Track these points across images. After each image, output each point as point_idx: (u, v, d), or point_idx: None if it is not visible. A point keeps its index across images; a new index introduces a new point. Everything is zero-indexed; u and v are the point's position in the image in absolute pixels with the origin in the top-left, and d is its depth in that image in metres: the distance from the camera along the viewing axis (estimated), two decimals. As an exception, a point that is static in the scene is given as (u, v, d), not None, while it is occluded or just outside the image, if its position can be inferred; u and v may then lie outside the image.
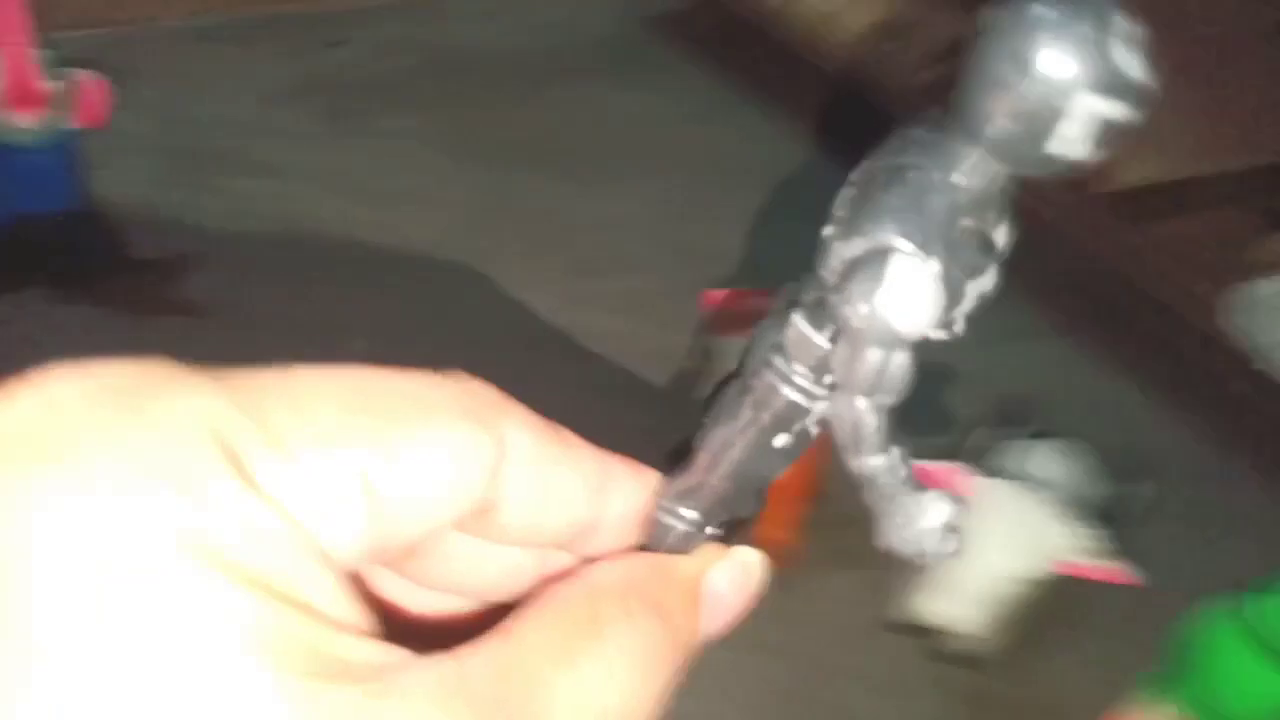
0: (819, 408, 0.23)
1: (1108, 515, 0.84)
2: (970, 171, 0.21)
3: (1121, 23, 0.19)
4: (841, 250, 0.21)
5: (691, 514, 0.23)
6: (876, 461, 0.23)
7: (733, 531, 0.24)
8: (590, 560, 0.22)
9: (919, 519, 0.22)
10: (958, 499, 0.22)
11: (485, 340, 1.34)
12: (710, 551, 0.23)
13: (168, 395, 0.16)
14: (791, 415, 0.23)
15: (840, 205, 0.22)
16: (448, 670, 0.17)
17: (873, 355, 0.22)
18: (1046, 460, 1.06)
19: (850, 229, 0.22)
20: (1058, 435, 0.95)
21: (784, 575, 1.13)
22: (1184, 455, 1.27)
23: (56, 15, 1.22)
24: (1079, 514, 0.85)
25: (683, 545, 0.23)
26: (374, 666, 0.16)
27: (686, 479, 0.23)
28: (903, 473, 0.23)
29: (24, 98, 1.10)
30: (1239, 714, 0.85)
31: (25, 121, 1.11)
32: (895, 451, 0.22)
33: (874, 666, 1.08)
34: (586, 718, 0.18)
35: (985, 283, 0.23)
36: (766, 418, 0.23)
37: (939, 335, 0.22)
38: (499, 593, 0.22)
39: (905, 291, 0.21)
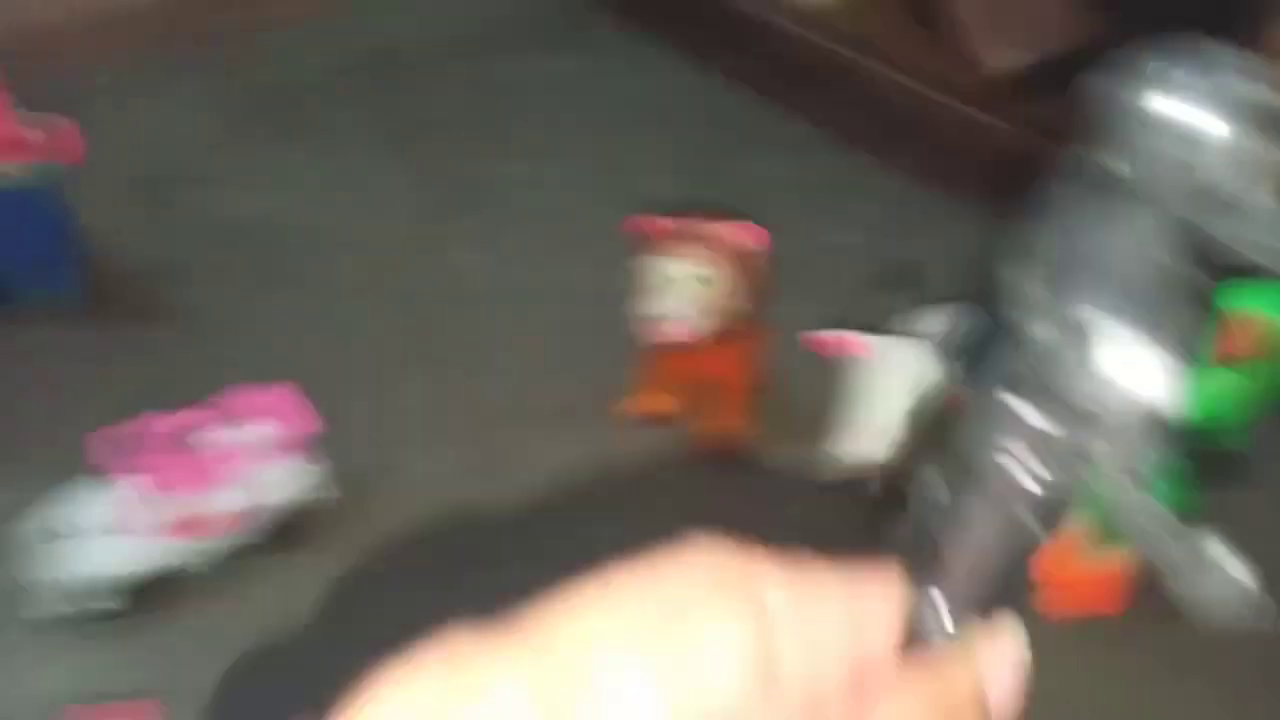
0: (1060, 485, 0.23)
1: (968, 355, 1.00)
2: (1147, 232, 0.22)
3: (1247, 68, 0.20)
4: (1046, 335, 0.22)
5: (950, 608, 0.23)
6: (1158, 528, 0.23)
7: (985, 608, 0.23)
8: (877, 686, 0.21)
9: (1226, 569, 0.23)
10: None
11: (457, 315, 1.48)
12: (986, 644, 0.23)
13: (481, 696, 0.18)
14: (1031, 497, 0.23)
15: (1030, 283, 0.23)
16: None
17: (1124, 439, 0.22)
18: (932, 320, 1.21)
19: (1049, 312, 0.22)
20: (944, 298, 1.10)
21: (738, 457, 1.29)
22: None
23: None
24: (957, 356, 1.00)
25: (948, 638, 0.23)
26: None
27: (942, 578, 0.23)
28: (1181, 530, 0.23)
29: (10, 146, 1.21)
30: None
31: (15, 169, 1.22)
32: (1170, 518, 0.23)
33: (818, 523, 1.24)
34: None
35: (1197, 341, 0.23)
36: (1010, 505, 0.23)
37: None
38: None
39: (1137, 371, 0.21)
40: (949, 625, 0.23)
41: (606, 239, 1.43)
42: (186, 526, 1.04)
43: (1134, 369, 0.21)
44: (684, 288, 1.08)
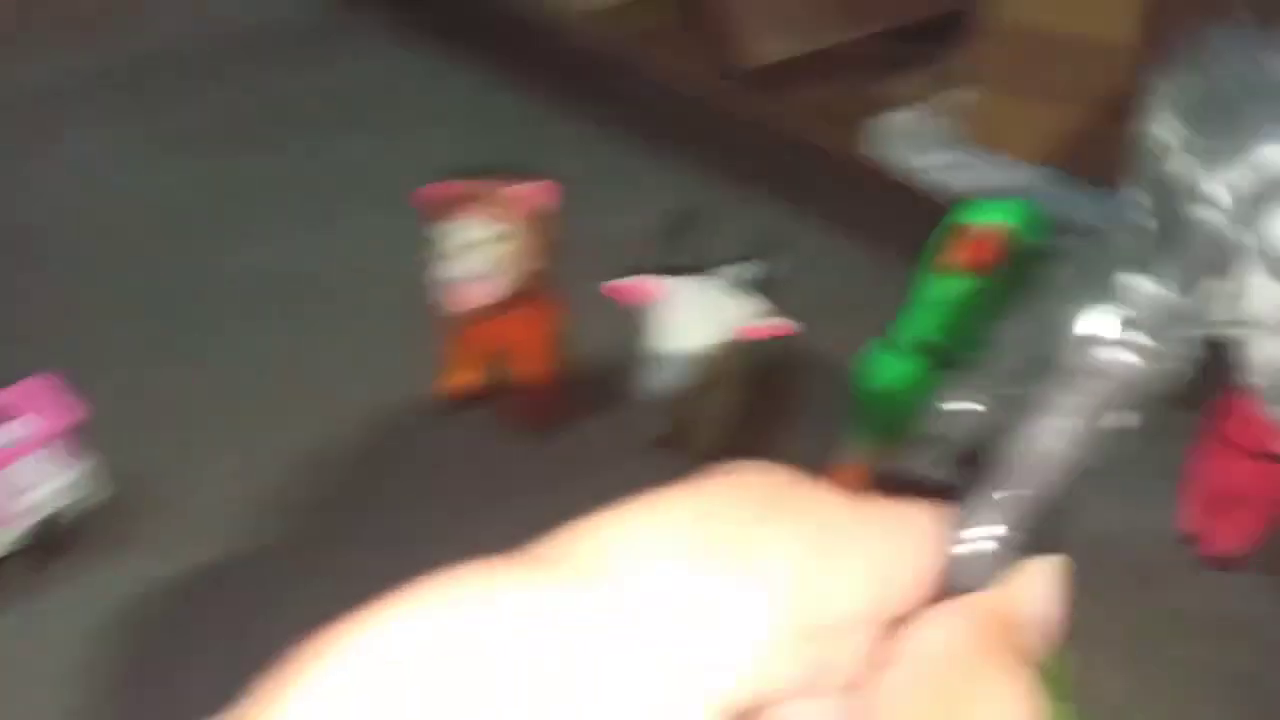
0: (1155, 365, 0.21)
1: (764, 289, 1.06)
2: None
3: None
4: (1218, 183, 0.19)
5: (999, 530, 0.21)
6: None
7: (1037, 533, 0.22)
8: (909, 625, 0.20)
9: None
10: None
11: (241, 309, 1.44)
12: (1026, 576, 0.22)
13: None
14: (1129, 385, 0.21)
15: (1175, 130, 0.19)
16: None
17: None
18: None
19: (1214, 158, 0.19)
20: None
21: (551, 422, 1.29)
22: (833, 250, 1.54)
23: None
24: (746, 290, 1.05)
25: (996, 571, 0.21)
26: None
27: (998, 493, 0.21)
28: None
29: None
30: (899, 411, 1.08)
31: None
32: None
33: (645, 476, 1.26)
34: None
35: None
36: (1097, 400, 0.21)
37: None
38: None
39: None
40: (993, 554, 0.21)
41: (389, 235, 1.42)
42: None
43: None
44: (480, 249, 1.08)
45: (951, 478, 0.22)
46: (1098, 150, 1.47)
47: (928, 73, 1.69)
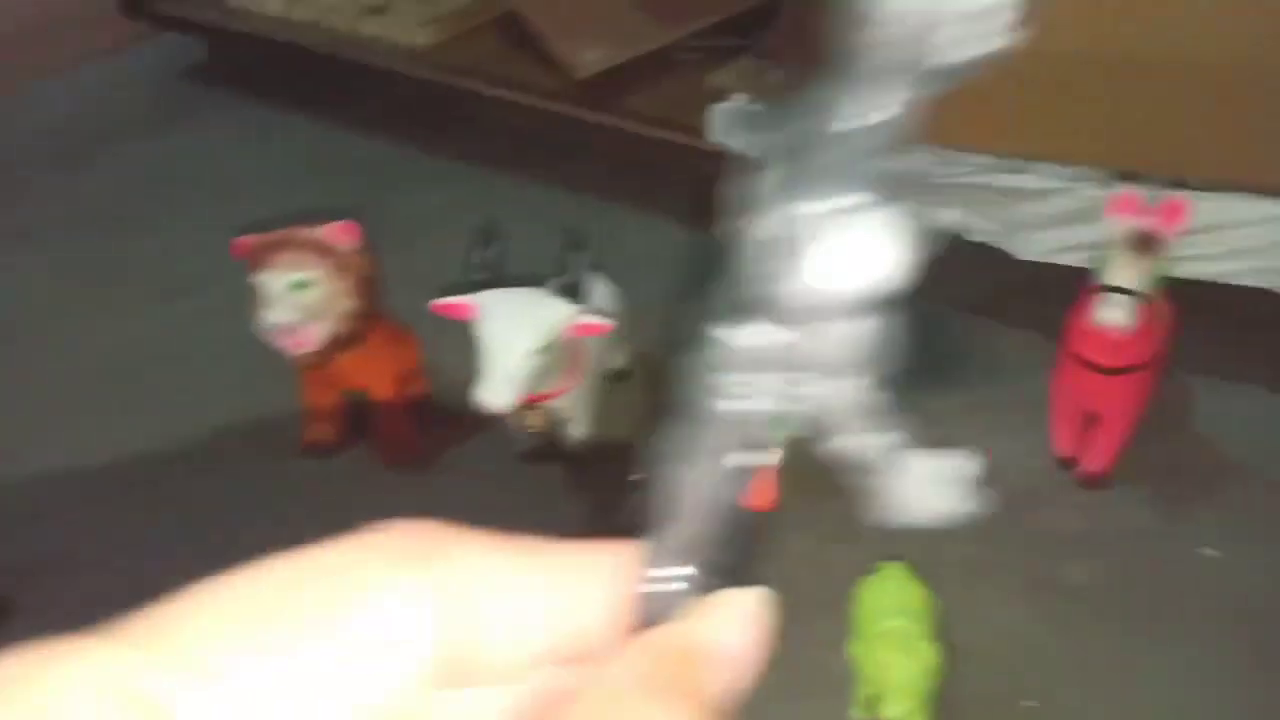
0: (770, 406, 0.21)
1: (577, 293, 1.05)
2: (873, 107, 0.19)
3: None
4: (758, 232, 0.20)
5: (685, 570, 0.22)
6: (881, 439, 0.21)
7: (731, 572, 0.22)
8: (594, 662, 0.20)
9: (927, 482, 0.21)
10: (963, 455, 0.22)
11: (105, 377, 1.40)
12: (711, 609, 0.21)
13: (58, 666, 0.16)
14: (750, 428, 0.22)
15: (757, 188, 0.20)
16: None
17: (852, 328, 0.20)
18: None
19: (761, 208, 0.20)
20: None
21: (418, 461, 1.28)
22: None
23: None
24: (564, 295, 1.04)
25: (683, 607, 0.21)
26: None
27: (665, 536, 0.22)
28: (899, 439, 0.21)
29: None
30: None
31: None
32: (888, 422, 0.21)
33: (522, 490, 1.25)
34: None
35: (926, 214, 0.21)
36: (727, 441, 0.22)
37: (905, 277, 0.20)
38: None
39: (873, 247, 0.19)
40: (685, 593, 0.21)
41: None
42: None
43: (872, 244, 0.19)
44: (290, 295, 1.07)
45: (638, 517, 0.22)
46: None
47: (753, 57, 1.71)
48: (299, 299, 1.08)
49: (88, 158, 1.96)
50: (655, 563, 0.21)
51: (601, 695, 0.19)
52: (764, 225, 0.20)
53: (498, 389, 1.00)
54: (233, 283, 1.16)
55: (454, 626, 0.19)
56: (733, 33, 1.77)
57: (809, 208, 0.19)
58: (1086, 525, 1.22)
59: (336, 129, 2.01)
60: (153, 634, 0.17)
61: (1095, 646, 1.08)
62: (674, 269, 1.44)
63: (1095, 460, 1.26)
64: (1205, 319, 1.39)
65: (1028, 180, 1.39)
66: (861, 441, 0.21)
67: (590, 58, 1.72)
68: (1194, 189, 1.30)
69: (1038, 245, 1.38)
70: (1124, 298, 1.04)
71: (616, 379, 1.39)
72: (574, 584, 0.21)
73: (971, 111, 1.46)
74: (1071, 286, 1.18)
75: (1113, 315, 1.04)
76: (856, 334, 0.20)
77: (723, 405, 0.21)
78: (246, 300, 1.11)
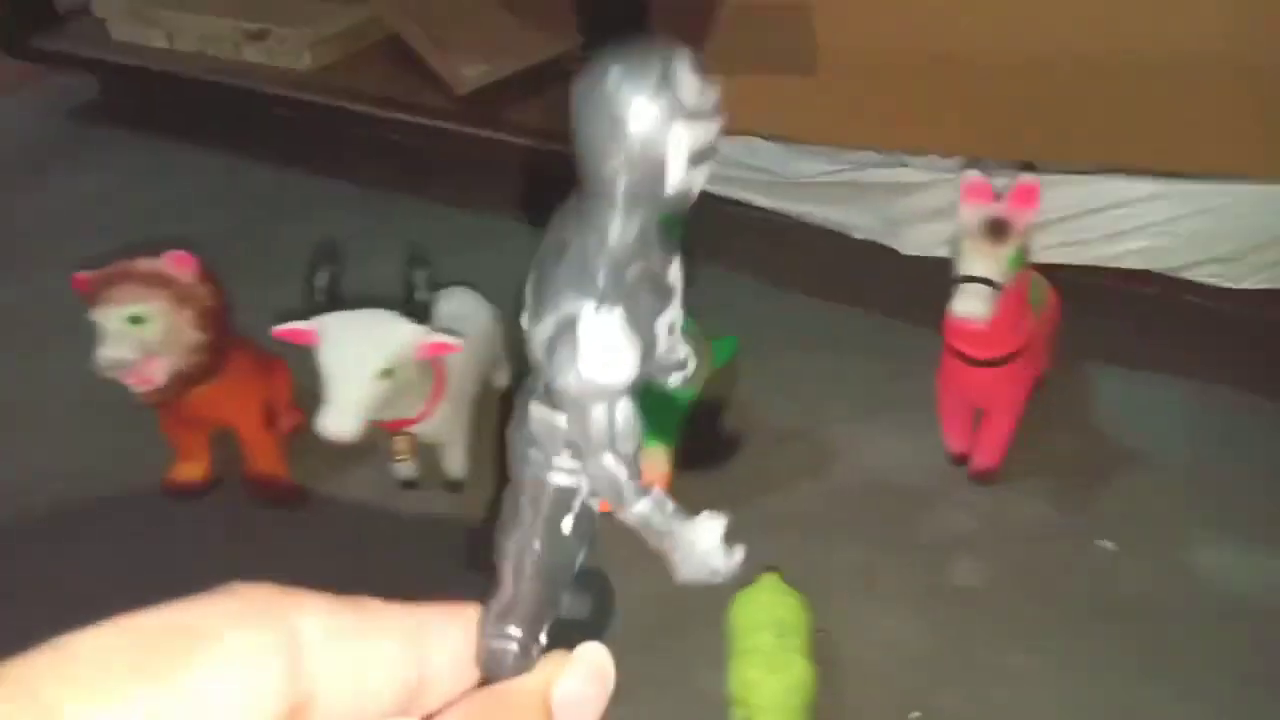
0: (564, 480, 0.24)
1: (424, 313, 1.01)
2: (619, 228, 0.23)
3: (680, 58, 0.22)
4: (537, 332, 0.23)
5: (517, 631, 0.24)
6: (643, 507, 0.24)
7: (580, 625, 0.25)
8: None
9: (699, 544, 0.24)
10: (720, 515, 0.24)
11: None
12: (550, 662, 0.23)
13: None
14: (566, 497, 0.25)
15: (528, 292, 0.24)
16: None
17: (597, 414, 0.23)
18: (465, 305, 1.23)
19: (537, 311, 0.23)
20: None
21: (290, 496, 1.23)
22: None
23: None
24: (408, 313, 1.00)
25: (522, 665, 0.23)
26: None
27: (500, 598, 0.24)
28: (669, 508, 0.24)
29: None
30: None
31: None
32: (655, 492, 0.24)
33: (401, 520, 1.21)
34: None
35: (671, 315, 0.25)
36: (546, 509, 0.24)
37: (674, 377, 0.27)
38: None
39: (601, 347, 0.23)
40: (521, 652, 0.23)
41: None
42: None
43: (599, 346, 0.23)
44: (122, 332, 1.01)
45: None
46: (799, 108, 1.49)
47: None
48: (137, 334, 1.02)
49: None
50: (493, 622, 0.23)
51: None
52: (536, 322, 0.23)
53: (340, 416, 0.95)
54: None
55: (299, 683, 0.19)
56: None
57: (568, 308, 0.22)
58: (978, 524, 1.19)
59: (229, 159, 1.96)
60: (6, 683, 0.17)
61: (984, 651, 1.05)
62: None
63: (985, 456, 1.23)
64: (1096, 305, 1.37)
65: (906, 174, 1.37)
66: (633, 512, 0.23)
67: (471, 74, 1.68)
68: (1074, 173, 1.29)
69: (921, 239, 1.36)
70: (979, 287, 1.01)
71: (506, 400, 1.35)
72: (415, 642, 0.21)
73: (845, 108, 1.44)
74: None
75: (968, 306, 1.01)
76: (606, 417, 0.23)
77: (530, 475, 0.24)
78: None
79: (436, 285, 1.12)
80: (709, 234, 1.72)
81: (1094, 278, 1.30)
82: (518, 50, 1.73)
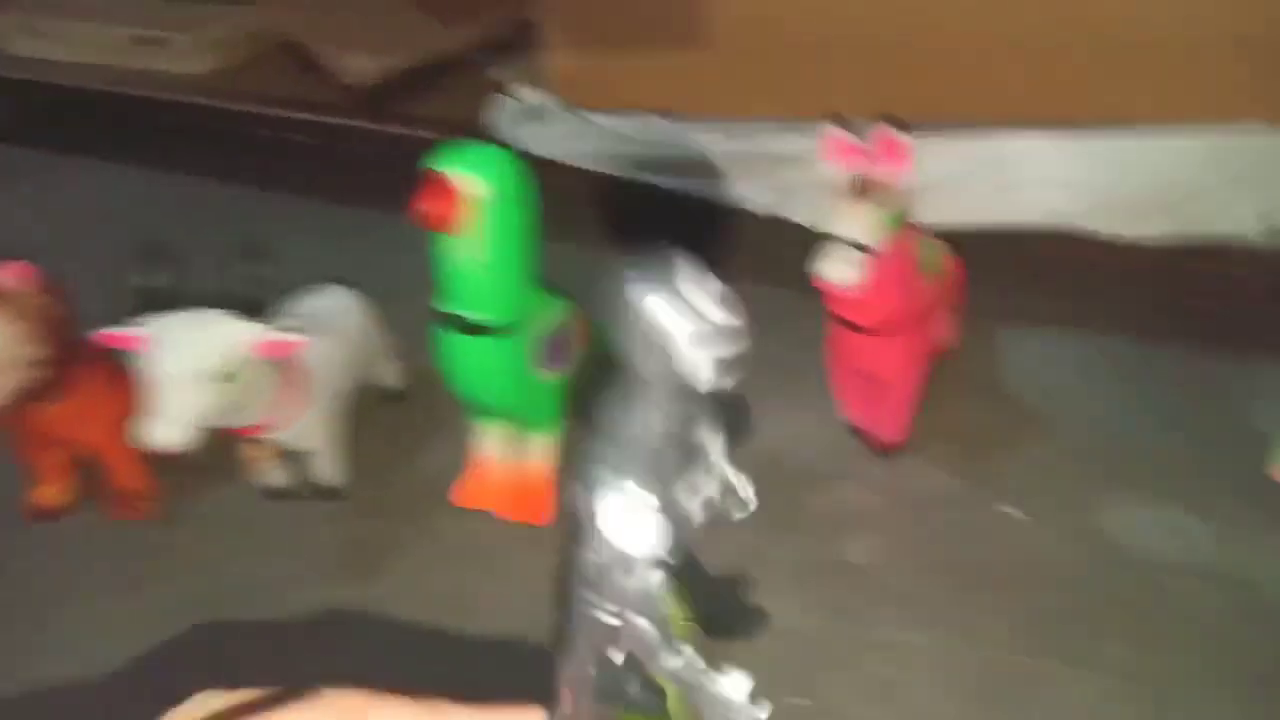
0: (613, 623, 0.29)
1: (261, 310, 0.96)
2: (654, 408, 0.28)
3: (706, 291, 0.27)
4: (580, 505, 0.27)
5: None
6: (674, 664, 0.27)
7: None
8: None
9: (725, 699, 0.28)
10: (746, 675, 0.29)
11: None
12: None
13: None
14: (614, 633, 0.28)
15: (590, 468, 0.28)
16: None
17: (627, 582, 0.26)
18: (332, 303, 1.18)
19: (584, 482, 0.28)
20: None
21: (156, 517, 1.17)
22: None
23: None
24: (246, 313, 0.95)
25: None
26: None
27: (562, 713, 0.28)
28: (699, 665, 0.28)
29: None
30: (487, 389, 0.99)
31: None
32: (687, 651, 0.27)
33: (271, 534, 1.15)
34: None
35: (701, 473, 0.31)
36: (597, 640, 0.28)
37: (698, 517, 0.30)
38: None
39: (627, 523, 0.26)
40: None
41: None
42: None
43: (625, 522, 0.26)
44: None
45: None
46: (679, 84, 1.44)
47: (526, 53, 1.64)
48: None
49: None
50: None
51: None
52: (575, 503, 0.27)
53: (166, 425, 0.90)
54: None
55: None
56: (518, 29, 1.69)
57: (594, 479, 0.27)
58: (877, 498, 1.14)
59: (128, 169, 1.91)
60: None
61: (876, 631, 1.00)
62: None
63: (885, 428, 1.18)
64: (997, 266, 1.32)
65: (797, 143, 1.32)
66: (665, 669, 0.27)
67: (365, 68, 1.64)
68: (964, 128, 1.24)
69: (815, 208, 1.30)
70: (847, 250, 0.96)
71: (390, 399, 1.30)
72: None
73: (735, 80, 1.39)
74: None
75: (835, 270, 0.96)
76: (635, 585, 0.27)
77: (582, 611, 0.28)
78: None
79: (309, 282, 1.06)
80: (610, 214, 1.67)
81: (992, 238, 1.25)
82: (415, 45, 1.68)
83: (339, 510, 1.18)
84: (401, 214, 0.93)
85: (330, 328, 1.14)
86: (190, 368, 0.91)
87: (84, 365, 1.09)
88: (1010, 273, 1.31)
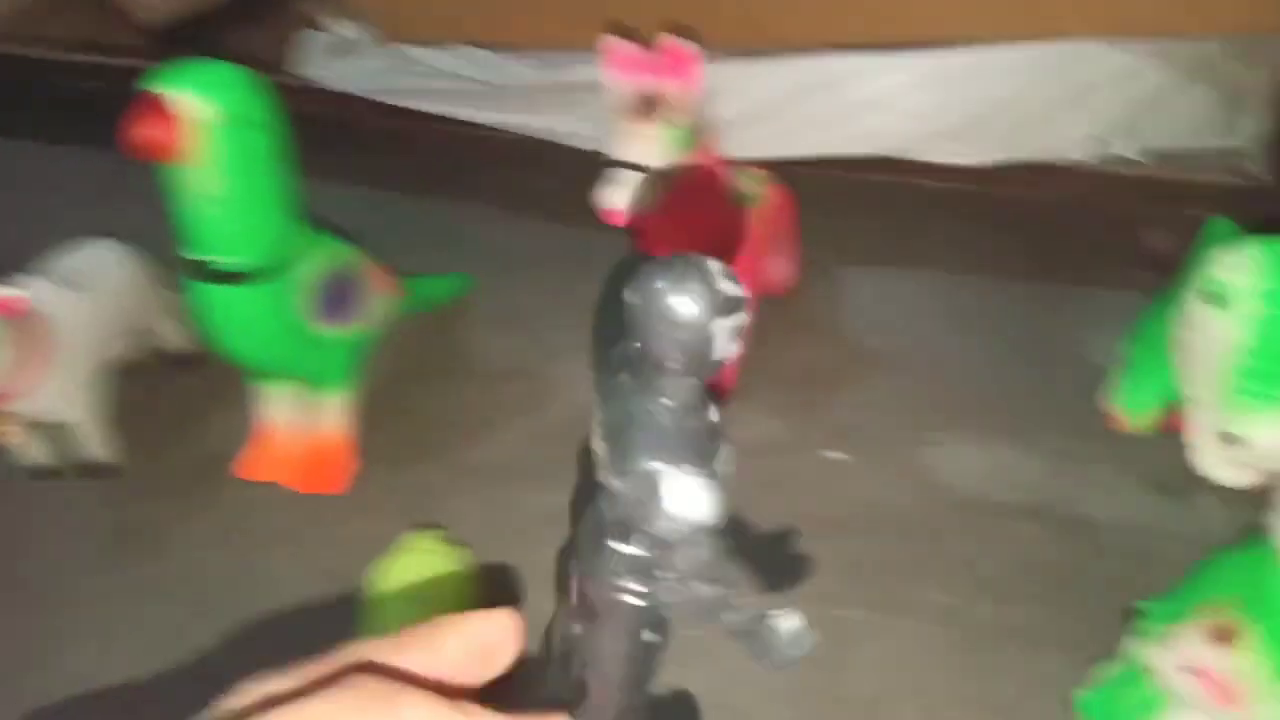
0: (660, 598, 0.34)
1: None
2: (676, 394, 0.32)
3: (711, 266, 0.31)
4: (624, 487, 0.32)
5: None
6: (734, 617, 0.33)
7: None
8: None
9: (782, 638, 0.33)
10: (794, 611, 0.35)
11: None
12: None
13: None
14: (644, 614, 0.34)
15: (602, 450, 0.33)
16: None
17: (688, 550, 0.32)
18: (92, 259, 1.05)
19: (621, 470, 0.32)
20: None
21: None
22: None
23: None
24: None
25: None
26: None
27: (589, 706, 0.33)
28: (751, 613, 0.33)
29: None
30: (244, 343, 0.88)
31: None
32: (737, 602, 0.33)
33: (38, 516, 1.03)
34: None
35: (726, 456, 0.35)
36: (627, 624, 0.34)
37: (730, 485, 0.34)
38: None
39: (684, 497, 0.31)
40: None
41: None
42: None
43: (689, 498, 0.32)
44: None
45: (566, 693, 0.34)
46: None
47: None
48: None
49: None
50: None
51: None
52: (619, 478, 0.33)
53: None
54: None
55: None
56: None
57: (650, 467, 0.32)
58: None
59: None
60: None
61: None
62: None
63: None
64: (829, 199, 1.25)
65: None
66: (724, 623, 0.34)
67: (156, 5, 1.49)
68: (785, 52, 1.15)
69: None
70: (630, 174, 0.87)
71: (178, 364, 1.18)
72: None
73: (550, 7, 1.29)
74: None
75: (615, 196, 0.87)
76: (695, 552, 0.34)
77: (607, 596, 0.34)
78: None
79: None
80: (440, 160, 1.56)
81: (821, 169, 1.17)
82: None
83: (112, 489, 1.07)
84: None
85: (87, 285, 1.02)
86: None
87: None
88: (842, 205, 1.24)
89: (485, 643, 0.27)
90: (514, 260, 1.36)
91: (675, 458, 0.32)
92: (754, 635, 0.34)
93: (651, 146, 0.87)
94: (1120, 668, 0.76)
